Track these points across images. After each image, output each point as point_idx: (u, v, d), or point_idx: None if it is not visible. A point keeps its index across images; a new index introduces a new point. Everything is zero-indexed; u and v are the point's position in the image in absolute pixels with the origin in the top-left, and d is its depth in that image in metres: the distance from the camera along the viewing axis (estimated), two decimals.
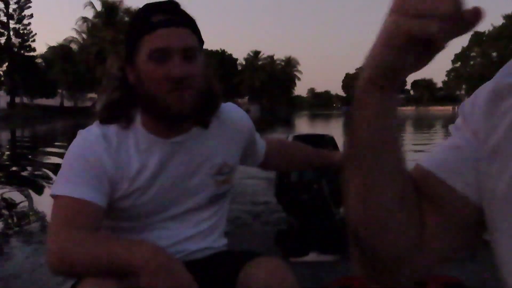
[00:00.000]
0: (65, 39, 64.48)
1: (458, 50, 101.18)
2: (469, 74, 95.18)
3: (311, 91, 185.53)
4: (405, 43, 0.51)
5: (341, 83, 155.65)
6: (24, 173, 8.82)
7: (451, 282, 2.18)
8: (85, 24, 62.39)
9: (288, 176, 2.65)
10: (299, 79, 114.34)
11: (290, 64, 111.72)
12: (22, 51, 56.63)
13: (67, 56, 61.09)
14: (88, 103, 61.06)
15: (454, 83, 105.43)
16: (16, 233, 4.37)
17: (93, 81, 54.18)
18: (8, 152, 14.33)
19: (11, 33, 55.76)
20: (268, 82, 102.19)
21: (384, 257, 0.62)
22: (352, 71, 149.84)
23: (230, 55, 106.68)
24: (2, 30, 55.41)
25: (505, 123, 0.58)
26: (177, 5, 1.22)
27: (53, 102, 61.81)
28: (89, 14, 68.19)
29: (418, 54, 0.53)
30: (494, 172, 0.58)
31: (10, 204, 5.69)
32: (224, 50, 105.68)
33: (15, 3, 56.21)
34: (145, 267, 1.04)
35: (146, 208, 1.28)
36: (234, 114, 1.42)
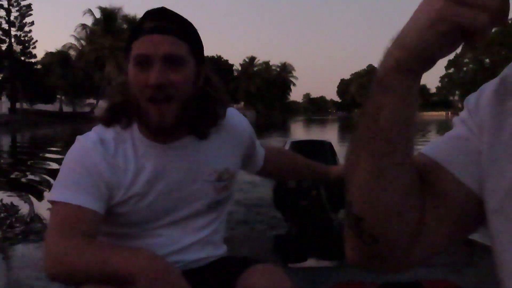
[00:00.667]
0: (63, 46, 64.94)
1: (451, 56, 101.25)
2: (462, 80, 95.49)
3: (306, 96, 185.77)
4: (450, 30, 0.50)
5: (336, 89, 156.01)
6: (24, 179, 8.81)
7: (449, 287, 2.17)
8: (84, 31, 62.74)
9: (286, 182, 2.64)
10: (294, 84, 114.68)
11: (285, 70, 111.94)
12: (23, 58, 57.23)
13: (66, 62, 61.49)
14: (87, 109, 61.54)
15: (447, 88, 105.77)
16: (18, 238, 4.35)
17: (92, 87, 54.45)
18: (8, 158, 14.45)
19: (13, 40, 56.53)
20: (263, 88, 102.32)
21: (384, 244, 0.61)
22: (347, 76, 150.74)
23: (226, 61, 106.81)
24: (3, 37, 56.04)
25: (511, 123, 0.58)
26: (167, 11, 1.21)
27: (52, 107, 62.31)
28: (88, 21, 68.68)
29: (453, 41, 0.52)
30: (495, 171, 0.58)
31: (12, 210, 5.69)
32: (220, 56, 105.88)
33: (17, 10, 56.92)
34: (141, 275, 1.03)
35: (144, 214, 1.27)
36: (235, 120, 1.41)
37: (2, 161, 13.44)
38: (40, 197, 6.63)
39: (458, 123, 0.66)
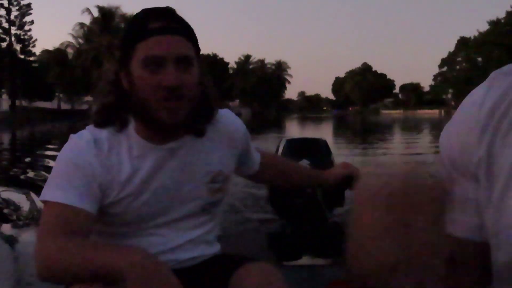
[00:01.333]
0: (61, 44, 65.51)
1: (444, 55, 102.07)
2: (455, 78, 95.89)
3: (301, 94, 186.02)
4: None
5: (331, 87, 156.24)
6: (23, 176, 8.79)
7: None
8: (82, 29, 63.21)
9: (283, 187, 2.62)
10: (289, 82, 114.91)
11: (280, 68, 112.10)
12: (23, 56, 57.93)
13: (63, 60, 61.86)
14: (85, 106, 61.78)
15: (440, 87, 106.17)
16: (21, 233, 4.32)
17: (89, 84, 54.67)
18: (13, 153, 14.66)
19: (13, 38, 57.38)
20: (259, 86, 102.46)
21: None
22: (341, 74, 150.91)
23: (222, 59, 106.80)
24: (4, 36, 56.92)
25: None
26: (173, 12, 1.19)
27: (50, 105, 62.76)
28: (87, 20, 68.84)
29: None
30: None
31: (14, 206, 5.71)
32: (215, 54, 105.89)
33: (17, 10, 57.68)
34: (131, 271, 1.00)
35: (137, 214, 1.25)
36: (229, 121, 1.39)
37: (5, 157, 13.68)
38: (40, 194, 6.63)
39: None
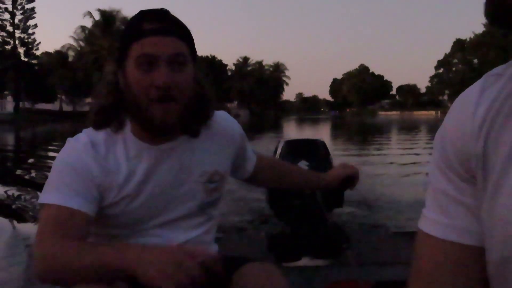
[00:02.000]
0: (62, 46, 66.29)
1: (441, 56, 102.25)
2: (451, 80, 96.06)
3: (299, 95, 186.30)
4: None
5: (328, 88, 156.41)
6: (27, 176, 8.92)
7: None
8: (83, 32, 63.81)
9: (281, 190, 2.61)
10: (287, 84, 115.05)
11: (278, 70, 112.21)
12: (27, 59, 59.09)
13: (64, 63, 62.49)
14: (86, 108, 61.70)
15: (437, 88, 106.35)
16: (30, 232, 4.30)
17: (91, 86, 54.92)
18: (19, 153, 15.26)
19: (17, 42, 58.48)
20: (257, 87, 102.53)
21: None
22: (339, 76, 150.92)
23: (220, 61, 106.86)
24: (8, 39, 58.22)
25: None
26: (168, 13, 1.19)
27: (52, 106, 63.51)
28: (88, 23, 69.39)
29: None
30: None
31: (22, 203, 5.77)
32: (214, 56, 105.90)
33: (21, 14, 58.85)
34: (139, 260, 1.00)
35: (135, 215, 1.25)
36: (226, 122, 1.39)
37: (11, 156, 14.29)
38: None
39: (435, 174, 0.65)
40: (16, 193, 6.35)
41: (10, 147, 18.37)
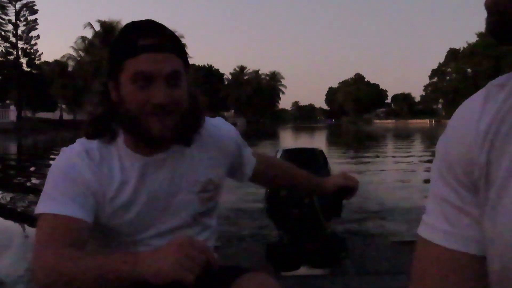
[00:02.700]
0: (62, 56, 66.98)
1: (435, 66, 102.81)
2: (445, 88, 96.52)
3: (295, 104, 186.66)
4: None
5: (324, 97, 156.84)
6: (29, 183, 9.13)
7: None
8: (83, 43, 64.91)
9: (278, 190, 2.59)
10: (283, 93, 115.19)
11: (275, 79, 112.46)
12: (29, 69, 60.23)
13: (64, 72, 63.40)
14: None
15: (431, 97, 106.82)
16: None
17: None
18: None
19: (20, 52, 59.84)
20: (253, 96, 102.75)
21: None
22: (334, 85, 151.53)
23: (217, 70, 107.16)
24: (11, 50, 59.46)
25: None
26: (162, 27, 1.17)
27: (53, 115, 64.17)
28: (89, 34, 70.26)
29: None
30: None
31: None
32: (211, 65, 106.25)
33: (24, 25, 60.22)
34: (149, 260, 0.99)
35: (129, 226, 1.23)
36: (219, 129, 1.37)
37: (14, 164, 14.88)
38: None
39: (437, 180, 0.65)
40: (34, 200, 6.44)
41: (22, 154, 19.28)
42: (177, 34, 1.25)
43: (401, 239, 3.42)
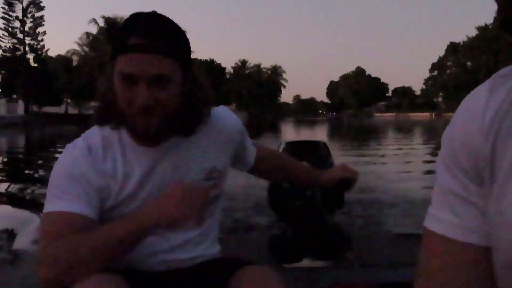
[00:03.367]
0: (67, 51, 67.59)
1: (435, 59, 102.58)
2: (445, 82, 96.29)
3: (297, 98, 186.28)
4: None
5: (325, 90, 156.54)
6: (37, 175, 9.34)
7: None
8: (87, 38, 65.46)
9: (281, 183, 2.57)
10: (285, 86, 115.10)
11: (276, 72, 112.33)
12: (36, 65, 61.19)
13: (68, 67, 64.00)
14: (91, 111, 62.95)
15: (431, 90, 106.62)
16: None
17: (95, 90, 56.00)
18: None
19: (27, 48, 60.86)
20: (255, 90, 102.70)
21: None
22: (336, 78, 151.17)
23: (219, 64, 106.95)
24: (18, 46, 60.51)
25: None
26: (163, 26, 1.12)
27: (58, 109, 64.76)
28: (93, 29, 70.73)
29: None
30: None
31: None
32: (213, 59, 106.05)
33: (31, 21, 61.17)
34: (150, 212, 1.06)
35: None
36: (223, 118, 1.35)
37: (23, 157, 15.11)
38: None
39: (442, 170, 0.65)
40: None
41: (33, 147, 19.73)
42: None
43: (404, 231, 3.40)
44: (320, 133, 27.99)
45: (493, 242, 0.59)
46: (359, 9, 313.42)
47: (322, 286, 2.10)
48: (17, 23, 60.82)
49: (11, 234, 4.44)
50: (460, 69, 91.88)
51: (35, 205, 5.57)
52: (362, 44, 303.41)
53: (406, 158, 11.62)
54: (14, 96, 59.11)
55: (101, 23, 64.35)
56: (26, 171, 10.23)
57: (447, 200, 0.63)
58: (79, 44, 65.98)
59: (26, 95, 56.06)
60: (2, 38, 60.24)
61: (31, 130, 33.91)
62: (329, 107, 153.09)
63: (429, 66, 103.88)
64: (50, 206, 1.14)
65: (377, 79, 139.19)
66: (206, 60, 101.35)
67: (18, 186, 7.58)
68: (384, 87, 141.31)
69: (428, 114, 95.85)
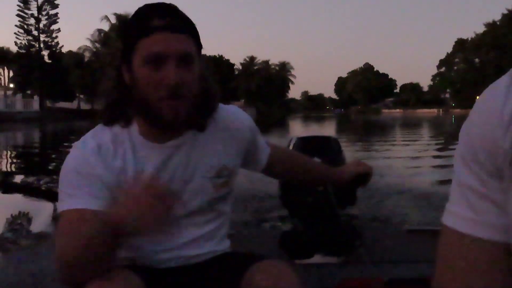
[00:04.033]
0: (79, 48, 68.67)
1: (442, 56, 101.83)
2: (453, 78, 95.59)
3: (305, 94, 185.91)
4: None
5: (333, 86, 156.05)
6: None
7: None
8: (99, 35, 66.75)
9: (296, 183, 2.53)
10: (293, 83, 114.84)
11: (284, 69, 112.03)
12: (51, 61, 62.78)
13: (81, 64, 64.91)
14: None
15: (439, 87, 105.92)
16: None
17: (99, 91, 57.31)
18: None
19: (41, 45, 62.51)
20: (263, 86, 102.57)
21: None
22: (344, 74, 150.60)
23: (227, 60, 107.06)
24: (33, 43, 62.13)
25: None
26: (177, 9, 1.14)
27: (71, 105, 65.79)
28: (105, 26, 71.67)
29: None
30: None
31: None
32: (221, 55, 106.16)
33: (46, 19, 62.66)
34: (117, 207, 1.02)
35: None
36: (234, 117, 1.33)
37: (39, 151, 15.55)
38: None
39: (460, 166, 0.64)
40: None
41: (49, 141, 20.34)
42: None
43: (416, 228, 3.35)
44: (328, 130, 27.88)
45: None
46: (368, 5, 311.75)
47: (333, 282, 2.07)
48: (32, 21, 62.09)
49: (27, 222, 4.50)
50: (468, 65, 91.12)
51: (50, 195, 5.70)
52: (370, 40, 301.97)
53: (415, 153, 11.52)
54: (29, 92, 60.08)
55: (113, 20, 65.36)
56: (44, 165, 10.42)
57: (465, 196, 0.62)
58: (91, 41, 67.09)
59: (41, 91, 56.92)
60: (18, 35, 61.54)
61: (47, 125, 34.68)
62: (337, 103, 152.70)
63: (437, 63, 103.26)
64: (64, 204, 1.13)
65: (385, 75, 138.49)
66: (214, 56, 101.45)
67: (39, 178, 7.73)
68: (392, 83, 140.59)
69: (435, 110, 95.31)
